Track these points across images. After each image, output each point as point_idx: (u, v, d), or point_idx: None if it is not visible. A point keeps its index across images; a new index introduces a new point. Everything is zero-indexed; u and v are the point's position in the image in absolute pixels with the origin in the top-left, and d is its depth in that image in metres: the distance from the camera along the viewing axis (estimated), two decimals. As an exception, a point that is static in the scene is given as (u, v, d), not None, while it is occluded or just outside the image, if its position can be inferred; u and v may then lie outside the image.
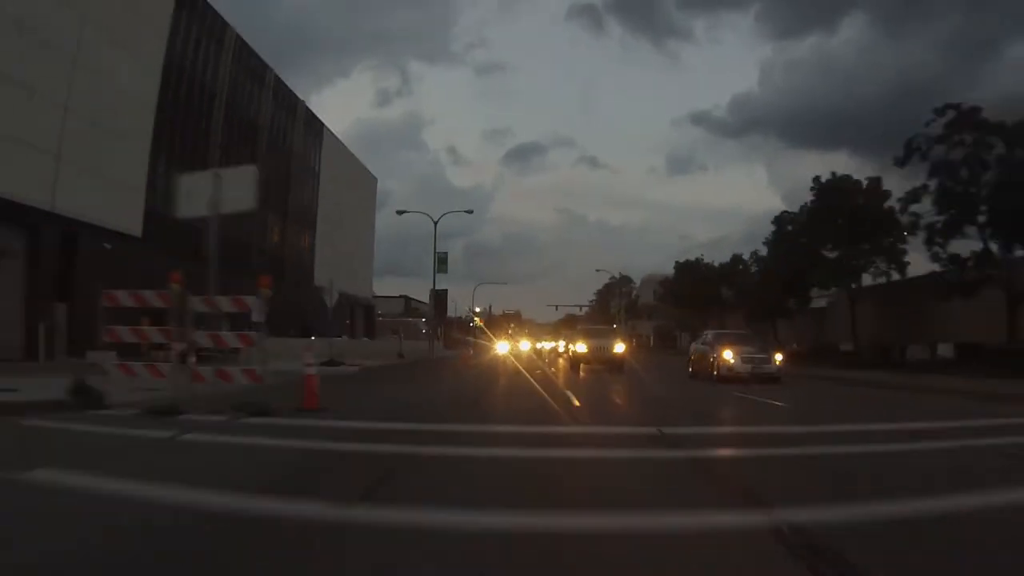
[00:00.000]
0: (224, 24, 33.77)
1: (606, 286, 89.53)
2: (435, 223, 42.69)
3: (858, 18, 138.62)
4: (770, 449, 6.85)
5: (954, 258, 24.69)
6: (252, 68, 37.59)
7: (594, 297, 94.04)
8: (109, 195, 24.49)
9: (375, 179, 62.35)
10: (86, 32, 23.36)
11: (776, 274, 34.51)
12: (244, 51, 36.16)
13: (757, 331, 30.34)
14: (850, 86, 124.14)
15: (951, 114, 23.95)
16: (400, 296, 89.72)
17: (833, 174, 31.14)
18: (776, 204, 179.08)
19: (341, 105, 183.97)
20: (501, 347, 52.83)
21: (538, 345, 61.97)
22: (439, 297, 53.57)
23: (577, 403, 11.39)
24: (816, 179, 31.26)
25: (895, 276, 30.05)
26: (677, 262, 57.24)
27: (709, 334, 22.87)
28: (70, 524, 3.76)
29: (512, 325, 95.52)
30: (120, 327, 8.35)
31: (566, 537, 3.51)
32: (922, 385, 17.40)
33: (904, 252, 28.69)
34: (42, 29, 21.56)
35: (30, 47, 21.04)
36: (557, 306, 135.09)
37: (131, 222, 25.60)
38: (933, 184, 24.62)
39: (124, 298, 8.55)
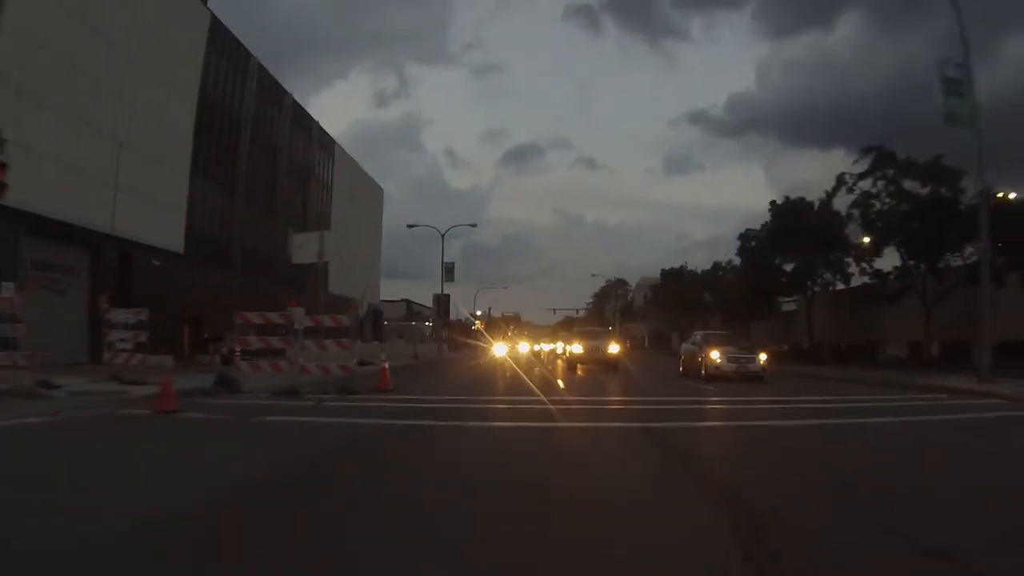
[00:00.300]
0: (248, 55, 36.47)
1: (602, 289, 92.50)
2: (442, 235, 45.72)
3: (854, 16, 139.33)
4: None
5: (877, 273, 30.61)
6: (273, 93, 40.26)
7: (591, 300, 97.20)
8: (156, 217, 27.27)
9: (381, 189, 65.11)
10: (131, 71, 26.30)
11: (745, 283, 38.97)
12: (265, 78, 38.84)
13: (734, 333, 32.70)
14: (847, 84, 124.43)
15: (874, 154, 28.52)
16: (402, 300, 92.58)
17: (787, 198, 35.70)
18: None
19: (339, 106, 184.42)
20: (498, 349, 47.42)
21: (536, 347, 63.60)
22: (443, 302, 56.84)
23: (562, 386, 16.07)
24: (772, 202, 35.77)
25: (841, 285, 34.92)
26: (663, 270, 60.52)
27: (698, 335, 24.01)
28: (312, 437, 7.40)
29: (512, 328, 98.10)
30: (251, 336, 11.69)
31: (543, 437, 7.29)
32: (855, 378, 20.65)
33: (848, 264, 32.99)
34: (92, 69, 24.43)
35: (84, 87, 23.93)
36: (555, 310, 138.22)
37: (174, 240, 28.42)
38: (856, 213, 29.70)
39: (254, 317, 11.96)
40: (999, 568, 3.14)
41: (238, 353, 11.91)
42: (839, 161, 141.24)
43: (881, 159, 28.43)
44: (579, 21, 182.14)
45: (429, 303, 64.41)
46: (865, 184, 29.07)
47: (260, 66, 37.68)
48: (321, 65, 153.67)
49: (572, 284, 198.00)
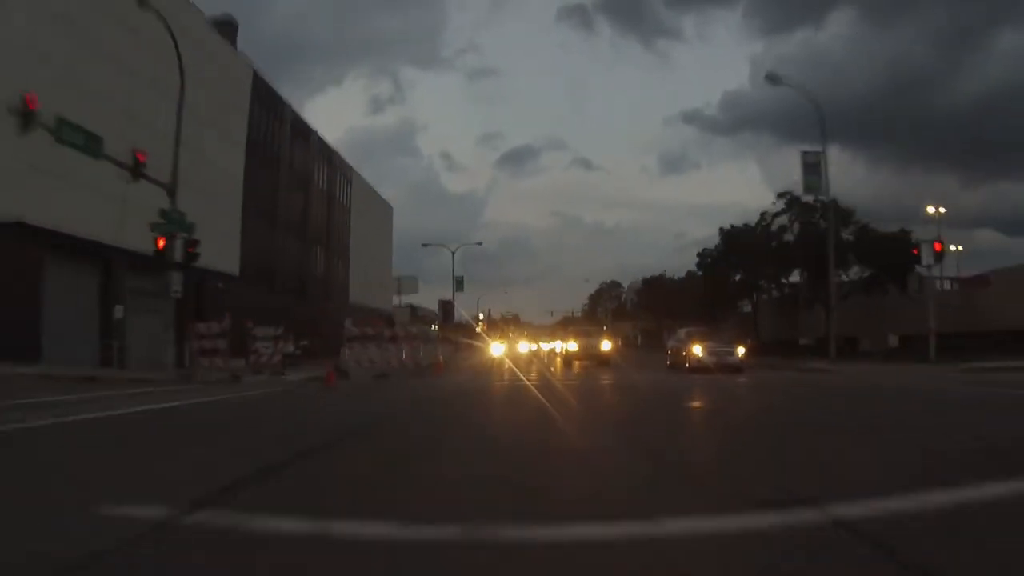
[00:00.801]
0: (282, 102, 41.38)
1: (597, 291, 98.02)
2: (453, 253, 51.64)
3: (845, 12, 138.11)
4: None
5: (792, 285, 42.28)
6: (302, 132, 44.83)
7: (587, 302, 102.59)
8: (218, 246, 32.51)
9: (391, 207, 69.92)
10: (194, 124, 31.42)
11: (704, 292, 48.56)
12: (296, 120, 43.62)
13: (717, 329, 37.86)
14: (839, 80, 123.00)
15: (788, 196, 39.09)
16: (406, 305, 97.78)
17: (732, 226, 45.90)
18: (770, 200, 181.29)
19: (334, 113, 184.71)
20: (495, 348, 41.96)
21: (534, 347, 67.02)
22: (448, 307, 62.87)
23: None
24: (721, 229, 46.19)
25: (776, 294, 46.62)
26: (644, 278, 67.31)
27: (682, 332, 25.49)
28: (408, 393, 12.43)
29: (511, 329, 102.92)
30: (356, 340, 17.21)
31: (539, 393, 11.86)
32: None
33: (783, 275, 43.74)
34: (162, 124, 29.70)
35: (165, 143, 29.13)
36: (552, 312, 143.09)
37: (232, 265, 33.66)
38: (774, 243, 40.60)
39: (352, 324, 17.37)
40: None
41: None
42: (834, 156, 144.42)
43: (791, 202, 38.90)
44: (572, 22, 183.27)
45: (429, 306, 70.34)
46: (782, 220, 40.07)
47: (291, 109, 43.02)
48: (315, 72, 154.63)
49: (571, 284, 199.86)
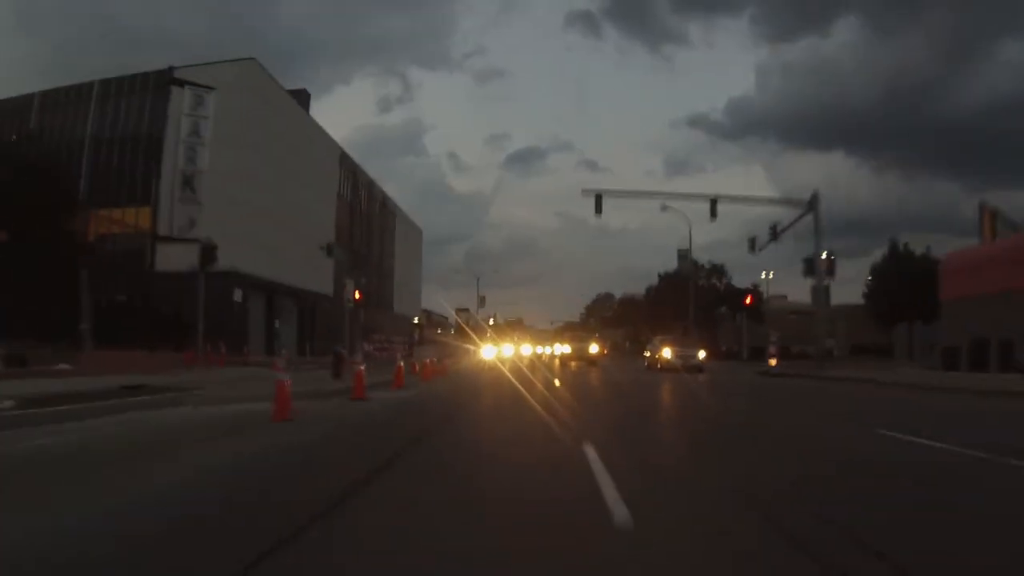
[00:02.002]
0: (356, 167, 54.25)
1: (593, 302, 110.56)
2: (477, 280, 64.09)
3: (851, 20, 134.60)
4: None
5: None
6: (367, 185, 57.89)
7: (584, 311, 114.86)
8: (319, 275, 45.25)
9: (421, 231, 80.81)
10: (303, 191, 44.18)
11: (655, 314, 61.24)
12: (365, 177, 56.94)
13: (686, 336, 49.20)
14: (844, 87, 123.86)
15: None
16: (423, 311, 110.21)
17: (667, 272, 60.24)
18: (773, 206, 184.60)
19: (342, 111, 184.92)
20: (487, 352, 38.92)
21: (538, 349, 72.85)
22: (463, 316, 75.36)
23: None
24: (660, 274, 62.61)
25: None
26: (619, 298, 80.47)
27: (656, 339, 28.90)
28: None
29: (516, 333, 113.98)
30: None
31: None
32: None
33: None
34: (263, 183, 42.36)
35: (295, 212, 41.98)
36: (552, 321, 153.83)
37: (326, 287, 46.43)
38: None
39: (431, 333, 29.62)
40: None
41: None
42: (838, 162, 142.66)
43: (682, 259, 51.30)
44: (580, 27, 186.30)
45: (436, 308, 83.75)
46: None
47: (361, 169, 56.03)
48: (324, 71, 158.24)
49: (576, 286, 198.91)
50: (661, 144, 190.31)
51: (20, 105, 36.42)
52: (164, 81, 33.90)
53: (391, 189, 79.79)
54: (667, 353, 24.28)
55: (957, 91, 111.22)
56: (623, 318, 78.94)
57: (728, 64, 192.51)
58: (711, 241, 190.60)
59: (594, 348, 34.63)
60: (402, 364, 16.07)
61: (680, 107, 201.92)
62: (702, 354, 25.25)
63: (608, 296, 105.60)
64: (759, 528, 3.41)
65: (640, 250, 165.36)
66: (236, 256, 30.72)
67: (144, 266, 33.12)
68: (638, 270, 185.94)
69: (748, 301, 38.82)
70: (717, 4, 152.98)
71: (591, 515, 3.56)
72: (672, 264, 55.38)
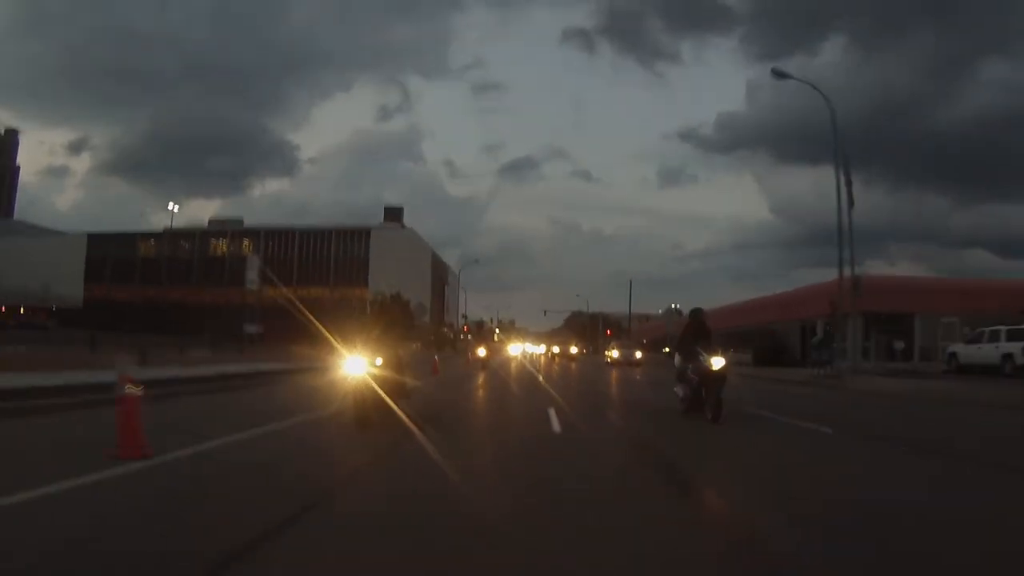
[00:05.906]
0: (431, 250, 76.79)
1: (572, 313, 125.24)
2: (493, 321, 78.38)
3: (837, 41, 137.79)
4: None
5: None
6: (442, 271, 77.57)
7: (562, 323, 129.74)
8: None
9: (430, 247, 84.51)
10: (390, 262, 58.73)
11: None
12: (440, 265, 75.64)
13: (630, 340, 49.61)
14: (833, 103, 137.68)
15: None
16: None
17: (596, 313, 75.36)
18: (765, 215, 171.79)
19: (341, 117, 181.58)
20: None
21: (529, 349, 71.01)
22: (466, 322, 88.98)
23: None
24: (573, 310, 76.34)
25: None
26: (589, 314, 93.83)
27: (613, 342, 40.55)
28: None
29: (513, 334, 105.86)
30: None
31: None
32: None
33: None
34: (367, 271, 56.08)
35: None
36: (546, 311, 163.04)
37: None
38: None
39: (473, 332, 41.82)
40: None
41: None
42: (828, 176, 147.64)
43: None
44: (576, 44, 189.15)
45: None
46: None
47: (439, 257, 75.66)
48: (325, 77, 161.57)
49: (570, 288, 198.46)
50: (654, 156, 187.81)
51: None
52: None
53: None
54: (615, 352, 32.10)
55: (943, 107, 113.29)
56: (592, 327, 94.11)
57: (718, 81, 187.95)
58: (706, 247, 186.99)
59: (572, 349, 46.52)
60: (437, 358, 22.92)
61: (672, 121, 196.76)
62: (639, 353, 32.11)
63: (579, 312, 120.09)
64: (625, 436, 8.23)
65: (633, 255, 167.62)
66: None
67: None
68: (631, 273, 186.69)
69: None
70: (709, 23, 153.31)
71: (543, 429, 8.04)
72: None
